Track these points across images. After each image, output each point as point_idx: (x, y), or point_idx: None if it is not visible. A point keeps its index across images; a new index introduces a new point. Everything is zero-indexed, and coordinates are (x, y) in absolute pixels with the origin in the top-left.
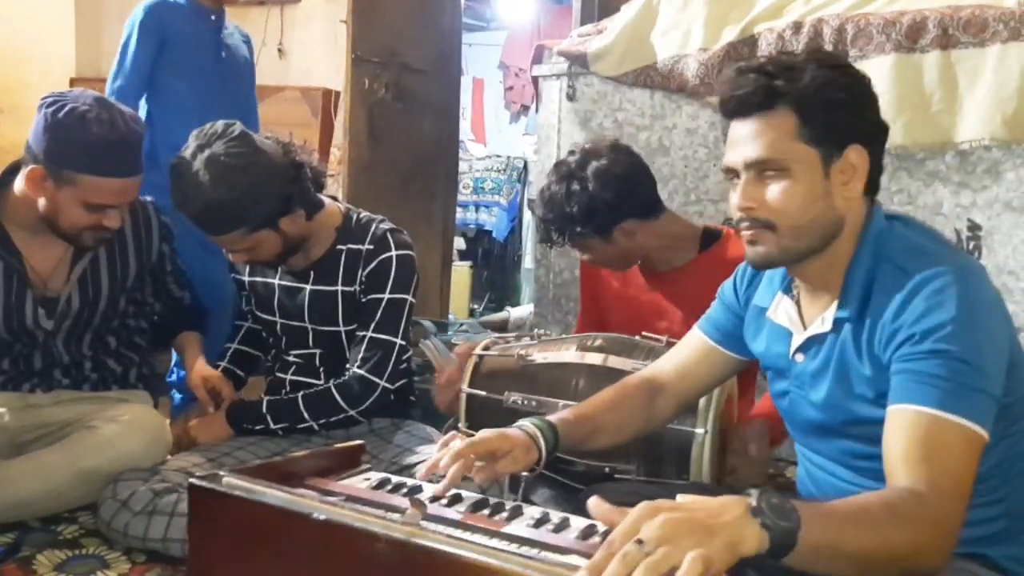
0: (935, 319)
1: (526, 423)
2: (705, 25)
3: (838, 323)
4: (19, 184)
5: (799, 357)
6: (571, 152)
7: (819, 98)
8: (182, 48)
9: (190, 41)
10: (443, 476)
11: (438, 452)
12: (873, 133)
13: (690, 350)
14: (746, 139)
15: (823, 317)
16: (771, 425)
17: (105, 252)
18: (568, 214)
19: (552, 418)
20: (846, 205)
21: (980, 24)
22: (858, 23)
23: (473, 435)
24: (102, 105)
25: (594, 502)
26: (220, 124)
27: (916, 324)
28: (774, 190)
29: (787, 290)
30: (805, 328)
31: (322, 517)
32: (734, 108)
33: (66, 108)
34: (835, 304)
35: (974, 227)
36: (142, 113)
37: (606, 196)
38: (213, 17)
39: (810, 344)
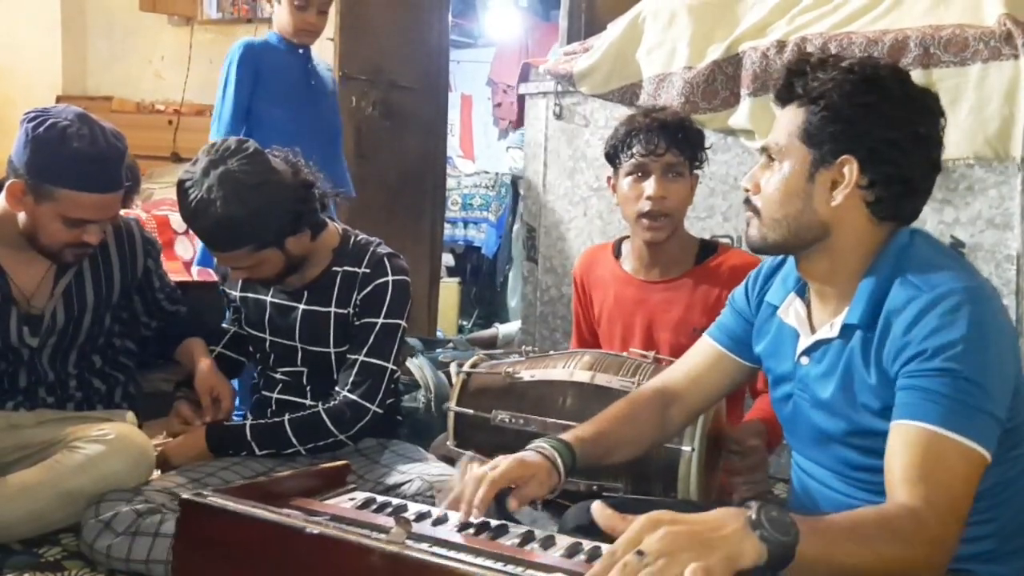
0: (945, 337)
1: (543, 444)
2: (690, 44)
3: (846, 330)
4: (1, 200)
5: (804, 360)
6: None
7: (825, 102)
8: (275, 79)
9: (282, 71)
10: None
11: (459, 482)
12: (876, 152)
13: (700, 357)
14: (773, 126)
15: (832, 323)
16: (768, 428)
17: (90, 268)
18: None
19: (567, 437)
20: (831, 214)
21: (961, 43)
22: (841, 42)
23: (487, 460)
24: (83, 120)
25: (598, 507)
26: (233, 140)
27: (926, 341)
28: (766, 179)
29: (800, 292)
30: (813, 332)
31: (315, 531)
32: (774, 97)
33: (47, 123)
34: (845, 311)
35: (957, 244)
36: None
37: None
38: (300, 51)
39: (816, 348)
